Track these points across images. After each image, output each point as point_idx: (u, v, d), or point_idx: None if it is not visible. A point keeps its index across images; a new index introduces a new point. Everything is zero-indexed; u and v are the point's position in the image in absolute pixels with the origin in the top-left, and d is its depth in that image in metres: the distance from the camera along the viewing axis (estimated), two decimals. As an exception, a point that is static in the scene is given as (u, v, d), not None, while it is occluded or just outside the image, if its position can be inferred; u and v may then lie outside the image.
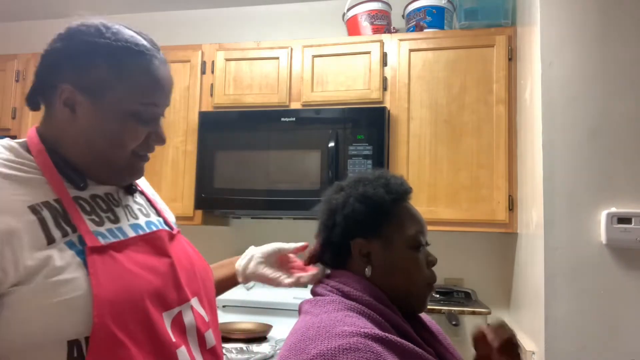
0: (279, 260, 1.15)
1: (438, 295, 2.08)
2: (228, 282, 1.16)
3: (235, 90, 2.32)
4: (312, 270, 1.08)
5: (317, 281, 1.04)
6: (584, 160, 1.47)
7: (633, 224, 1.41)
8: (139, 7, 2.81)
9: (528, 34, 1.78)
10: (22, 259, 0.68)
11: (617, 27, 1.49)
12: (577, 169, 1.47)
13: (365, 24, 2.32)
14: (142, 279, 0.76)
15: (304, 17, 2.69)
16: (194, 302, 0.86)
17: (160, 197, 1.05)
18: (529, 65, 1.73)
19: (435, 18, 2.23)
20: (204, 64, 2.37)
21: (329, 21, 2.58)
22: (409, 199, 1.03)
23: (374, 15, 2.31)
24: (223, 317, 2.41)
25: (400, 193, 1.00)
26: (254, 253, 1.15)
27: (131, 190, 0.92)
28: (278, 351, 1.94)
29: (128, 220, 0.86)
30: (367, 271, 0.96)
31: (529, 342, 1.64)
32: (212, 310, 0.92)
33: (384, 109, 2.09)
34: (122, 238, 0.80)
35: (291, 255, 1.16)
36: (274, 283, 1.12)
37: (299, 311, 0.98)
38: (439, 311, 1.97)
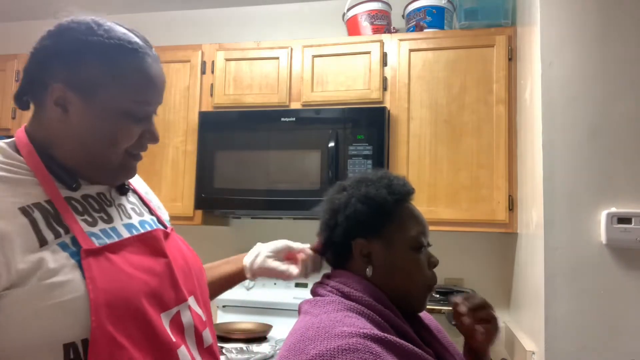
0: (286, 258, 1.16)
1: (438, 295, 2.08)
2: (235, 278, 1.16)
3: (235, 90, 2.32)
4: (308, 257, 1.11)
5: (316, 270, 1.07)
6: (584, 160, 1.47)
7: (633, 224, 1.41)
8: (139, 7, 2.81)
9: (528, 34, 1.78)
10: (14, 262, 0.67)
11: (617, 27, 1.49)
12: (577, 169, 1.47)
13: (365, 24, 2.31)
14: (139, 281, 0.75)
15: (304, 17, 2.69)
16: (191, 301, 0.85)
17: (154, 195, 1.04)
18: (529, 65, 1.73)
19: (435, 18, 2.23)
20: (204, 64, 2.37)
21: (329, 21, 2.58)
22: (411, 200, 1.03)
23: (374, 15, 2.31)
24: (223, 317, 2.41)
25: (402, 194, 1.00)
26: (262, 248, 1.15)
27: (124, 189, 0.91)
28: (278, 351, 1.94)
29: (121, 220, 0.85)
30: (368, 271, 0.96)
31: (529, 342, 1.64)
32: (206, 308, 0.92)
33: (384, 109, 2.09)
34: (116, 238, 0.79)
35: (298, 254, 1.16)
36: (283, 276, 1.13)
37: (299, 311, 0.98)
38: (439, 311, 1.97)
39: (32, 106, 0.83)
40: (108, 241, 0.77)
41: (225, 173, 2.20)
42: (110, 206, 0.85)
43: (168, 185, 2.32)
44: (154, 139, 0.87)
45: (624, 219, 1.42)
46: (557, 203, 1.47)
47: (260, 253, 1.14)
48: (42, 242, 0.70)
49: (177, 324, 0.80)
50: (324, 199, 1.05)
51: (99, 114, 0.79)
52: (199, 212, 2.29)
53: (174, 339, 0.77)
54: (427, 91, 2.12)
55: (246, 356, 1.89)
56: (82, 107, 0.79)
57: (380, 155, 2.04)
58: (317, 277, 1.06)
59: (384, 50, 2.18)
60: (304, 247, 1.14)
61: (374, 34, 2.28)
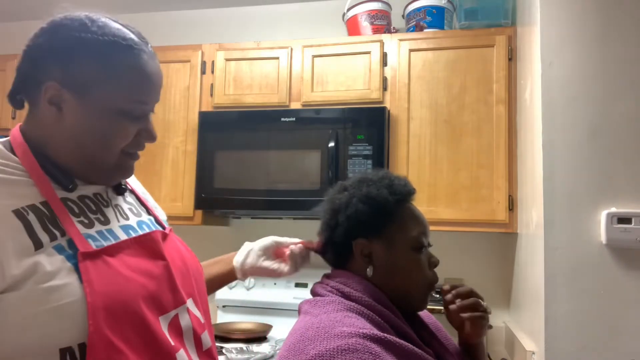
0: (275, 254, 1.15)
1: (438, 295, 2.08)
2: (224, 279, 1.15)
3: (235, 90, 2.32)
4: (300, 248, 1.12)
5: (305, 262, 1.10)
6: (584, 160, 1.47)
7: (633, 224, 1.41)
8: (139, 7, 2.81)
9: (528, 34, 1.78)
10: (8, 267, 0.65)
11: (617, 27, 1.49)
12: (577, 169, 1.47)
13: (365, 24, 2.31)
14: (137, 284, 0.74)
15: (304, 17, 2.69)
16: (190, 303, 0.84)
17: (149, 195, 1.02)
18: (529, 65, 1.73)
19: (435, 18, 2.23)
20: (204, 64, 2.37)
21: (329, 21, 2.58)
22: (412, 200, 1.03)
23: (374, 15, 2.31)
24: (223, 317, 2.41)
25: (403, 194, 1.00)
26: (251, 248, 1.15)
27: (120, 189, 0.89)
28: (278, 351, 1.94)
29: (118, 221, 0.83)
30: (369, 271, 0.96)
31: (529, 342, 1.64)
32: (205, 310, 0.90)
33: (384, 109, 2.09)
34: (112, 240, 0.78)
35: (286, 249, 1.16)
36: (275, 274, 1.13)
37: (299, 311, 0.98)
38: (439, 311, 1.97)
39: (26, 105, 0.81)
40: (105, 243, 0.76)
41: (225, 173, 2.20)
42: (107, 207, 0.83)
43: (168, 185, 2.32)
44: (151, 137, 0.84)
45: (624, 219, 1.41)
46: (557, 203, 1.47)
47: (250, 253, 1.14)
48: (37, 245, 0.69)
49: (175, 327, 0.79)
50: (324, 199, 1.05)
51: (93, 113, 0.77)
52: (199, 212, 2.29)
53: (172, 343, 0.76)
54: (427, 91, 2.12)
55: (246, 356, 1.89)
56: (76, 105, 0.77)
57: (380, 155, 2.04)
58: (316, 277, 1.06)
59: (384, 50, 2.18)
60: (292, 242, 1.14)
61: (374, 34, 2.28)
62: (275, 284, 2.37)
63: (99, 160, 0.81)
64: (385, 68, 2.17)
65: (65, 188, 0.78)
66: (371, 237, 0.97)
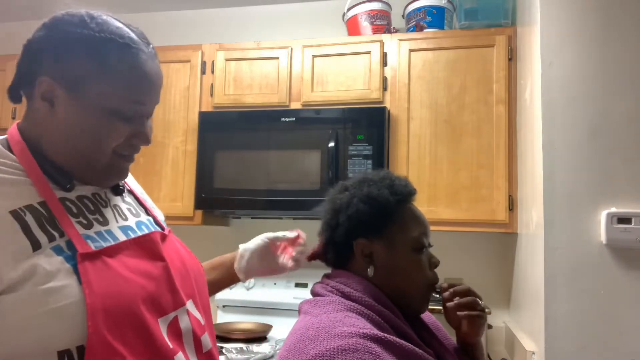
0: (272, 250, 1.15)
1: (438, 295, 2.08)
2: (223, 284, 1.15)
3: (235, 90, 2.32)
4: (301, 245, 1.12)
5: (313, 258, 1.09)
6: (584, 160, 1.47)
7: (633, 224, 1.41)
8: (139, 7, 2.81)
9: (528, 34, 1.78)
10: (5, 270, 0.65)
11: (617, 27, 1.49)
12: (577, 169, 1.47)
13: (365, 24, 2.31)
14: (136, 285, 0.73)
15: (304, 17, 2.69)
16: (189, 305, 0.83)
17: (147, 196, 1.01)
18: (529, 65, 1.73)
19: (435, 18, 2.23)
20: (204, 64, 2.37)
21: (329, 21, 2.58)
22: (413, 201, 1.03)
23: (374, 15, 2.31)
24: (223, 317, 2.41)
25: (404, 194, 1.00)
26: (246, 251, 1.14)
27: (118, 190, 0.87)
28: (278, 351, 1.94)
29: (117, 221, 0.82)
30: (370, 271, 0.96)
31: (529, 342, 1.64)
32: (206, 311, 0.89)
33: (384, 109, 2.09)
34: (111, 241, 0.76)
35: (285, 243, 1.16)
36: (277, 273, 1.13)
37: (299, 311, 0.98)
38: (439, 311, 1.97)
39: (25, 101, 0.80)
40: (104, 244, 0.75)
41: (225, 173, 2.20)
42: (105, 207, 0.82)
43: (168, 185, 2.32)
44: (145, 140, 0.81)
45: (624, 219, 1.42)
46: (557, 203, 1.47)
47: (246, 256, 1.13)
48: (35, 247, 0.68)
49: (174, 329, 0.78)
50: (325, 199, 1.05)
51: (84, 110, 0.75)
52: (199, 212, 2.29)
53: (170, 346, 0.75)
54: (427, 91, 2.12)
55: (246, 356, 1.89)
56: (67, 101, 0.75)
57: (380, 155, 2.04)
58: (316, 277, 1.06)
59: (384, 50, 2.18)
60: (286, 235, 1.15)
61: (374, 34, 2.28)
62: (275, 284, 2.37)
63: (91, 159, 0.78)
64: (385, 68, 2.17)
65: (62, 188, 0.76)
66: (372, 237, 0.97)
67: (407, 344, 0.85)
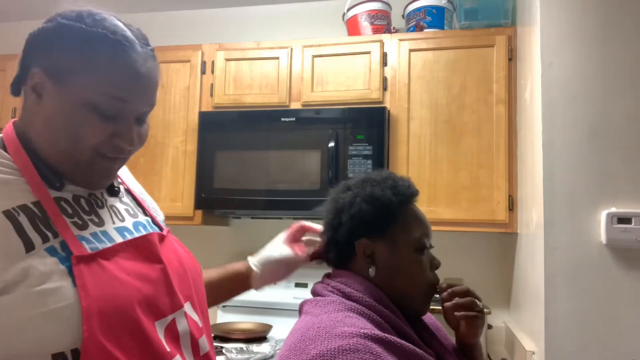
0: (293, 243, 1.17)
1: (438, 295, 2.08)
2: (237, 294, 1.17)
3: (235, 90, 2.32)
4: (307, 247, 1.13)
5: (314, 257, 1.12)
6: (584, 160, 1.47)
7: (633, 224, 1.41)
8: (139, 7, 2.81)
9: (528, 34, 1.78)
10: None
11: (617, 27, 1.49)
12: (577, 169, 1.47)
13: (365, 24, 2.31)
14: (132, 288, 0.71)
15: (304, 17, 2.69)
16: (187, 307, 0.81)
17: (148, 196, 0.99)
18: (529, 65, 1.73)
19: (435, 18, 2.23)
20: (204, 64, 2.37)
21: (329, 21, 2.58)
22: (415, 201, 1.03)
23: (374, 15, 2.31)
24: (223, 317, 2.41)
25: (407, 195, 1.00)
26: (256, 270, 1.16)
27: (113, 191, 0.85)
28: (278, 351, 1.94)
29: (114, 222, 0.80)
30: (371, 272, 0.96)
31: (529, 342, 1.64)
32: (203, 313, 0.87)
33: (384, 109, 2.09)
34: (107, 243, 0.75)
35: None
36: (294, 266, 1.16)
37: (299, 311, 0.98)
38: (439, 311, 1.97)
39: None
40: (99, 246, 0.73)
41: (225, 173, 2.20)
42: (101, 208, 0.80)
43: (168, 185, 2.32)
44: (128, 142, 0.77)
45: (624, 219, 1.42)
46: (557, 203, 1.47)
47: (257, 275, 1.16)
48: (29, 247, 0.67)
49: (172, 332, 0.76)
50: (327, 199, 1.05)
51: (67, 103, 0.73)
52: (199, 212, 2.29)
53: (168, 349, 0.74)
54: (427, 91, 2.12)
55: (246, 356, 1.89)
56: (53, 94, 0.74)
57: (380, 155, 2.04)
58: (316, 277, 1.06)
59: (384, 50, 2.18)
60: (289, 234, 1.16)
61: (374, 34, 2.28)
62: (275, 283, 2.36)
63: (71, 156, 0.75)
64: (385, 68, 2.17)
65: (52, 186, 0.74)
66: (374, 237, 0.97)
67: (407, 344, 0.85)
